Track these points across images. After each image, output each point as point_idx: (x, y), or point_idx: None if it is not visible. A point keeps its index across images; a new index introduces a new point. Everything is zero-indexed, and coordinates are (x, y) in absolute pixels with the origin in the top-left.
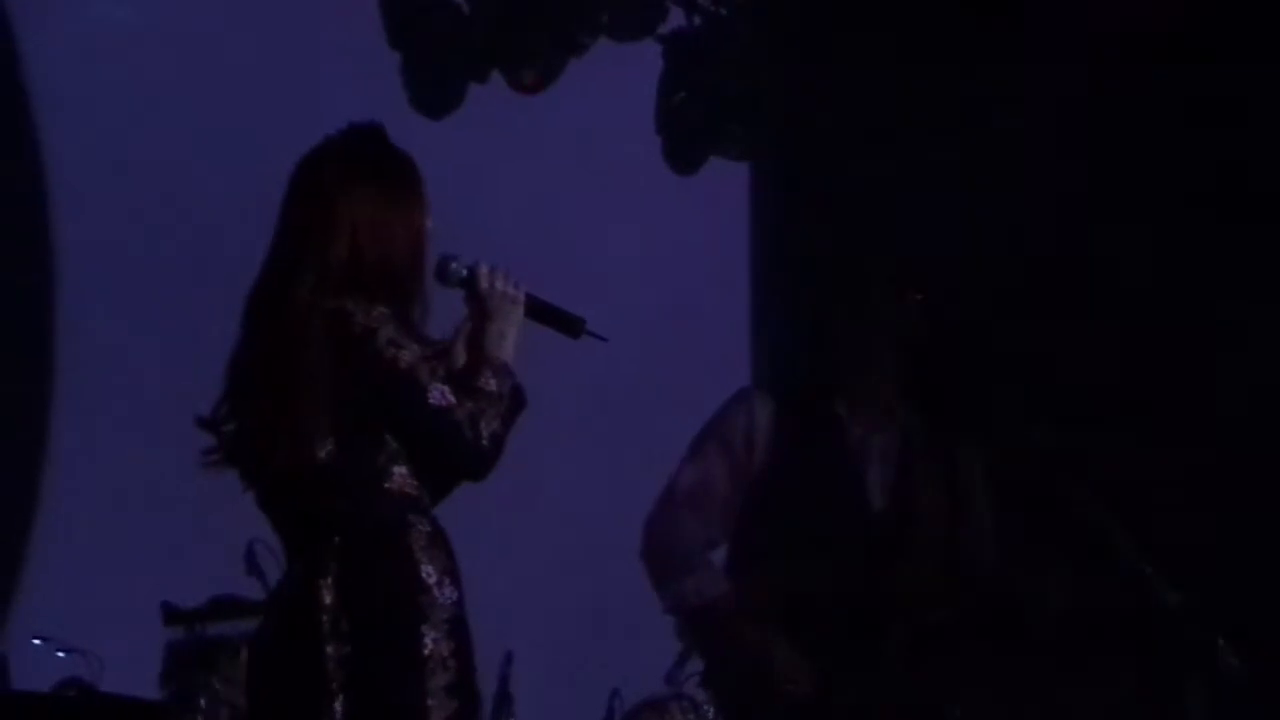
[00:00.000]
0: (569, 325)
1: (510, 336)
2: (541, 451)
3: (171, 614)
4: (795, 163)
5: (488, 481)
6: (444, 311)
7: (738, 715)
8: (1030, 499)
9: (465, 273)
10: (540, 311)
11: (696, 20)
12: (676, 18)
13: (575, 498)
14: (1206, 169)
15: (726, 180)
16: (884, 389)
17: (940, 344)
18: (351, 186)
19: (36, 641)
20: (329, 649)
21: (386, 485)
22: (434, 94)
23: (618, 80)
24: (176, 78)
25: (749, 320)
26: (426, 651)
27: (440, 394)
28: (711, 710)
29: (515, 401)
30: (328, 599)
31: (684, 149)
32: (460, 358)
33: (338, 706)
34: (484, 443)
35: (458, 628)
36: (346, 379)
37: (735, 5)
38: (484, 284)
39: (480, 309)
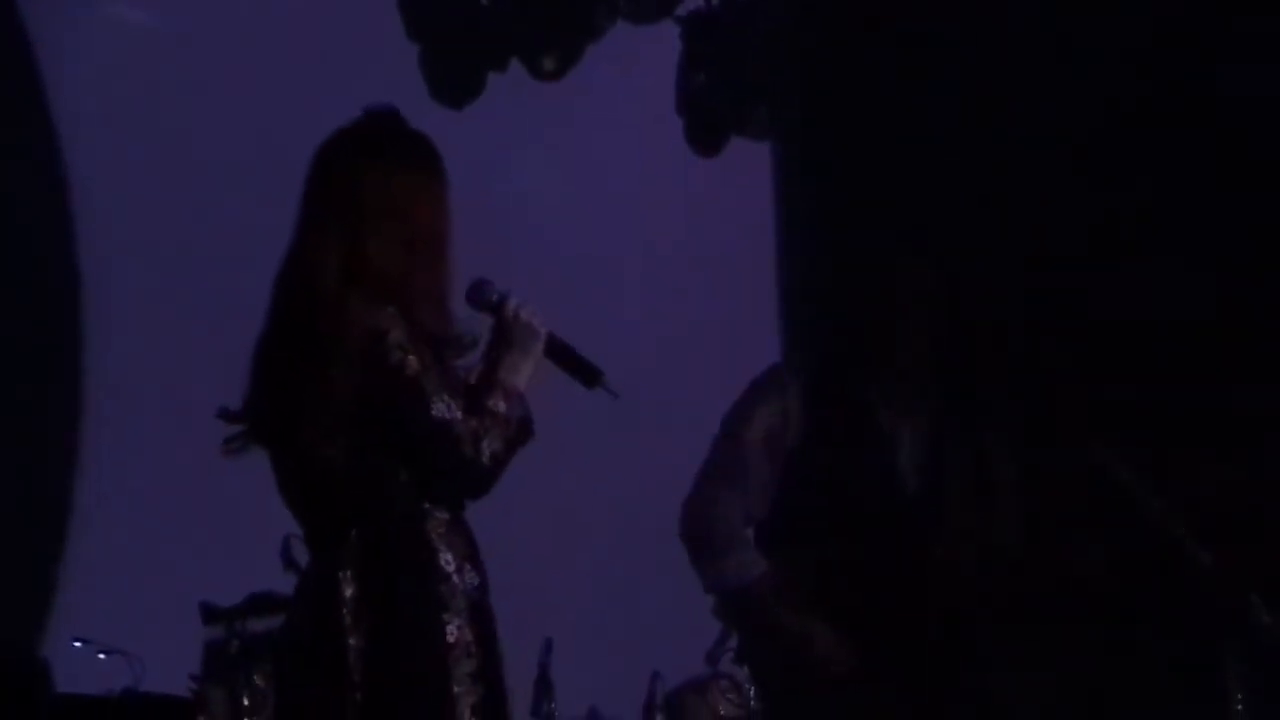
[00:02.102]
0: (586, 374)
1: (525, 370)
2: (576, 434)
3: (210, 612)
4: (820, 144)
5: (522, 469)
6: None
7: (776, 693)
8: (1061, 467)
9: (495, 299)
10: (561, 352)
11: (714, 0)
12: None
13: (609, 479)
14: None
15: (750, 162)
16: (911, 375)
17: (966, 330)
18: (370, 172)
19: (77, 644)
20: (351, 641)
21: (402, 478)
22: (454, 84)
23: (637, 64)
24: (194, 76)
25: (777, 302)
26: (451, 639)
27: (445, 406)
28: (752, 689)
29: (522, 430)
30: (348, 591)
31: (706, 131)
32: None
33: (359, 699)
34: (484, 460)
35: (479, 614)
36: (360, 377)
37: None
38: (509, 313)
39: (503, 335)
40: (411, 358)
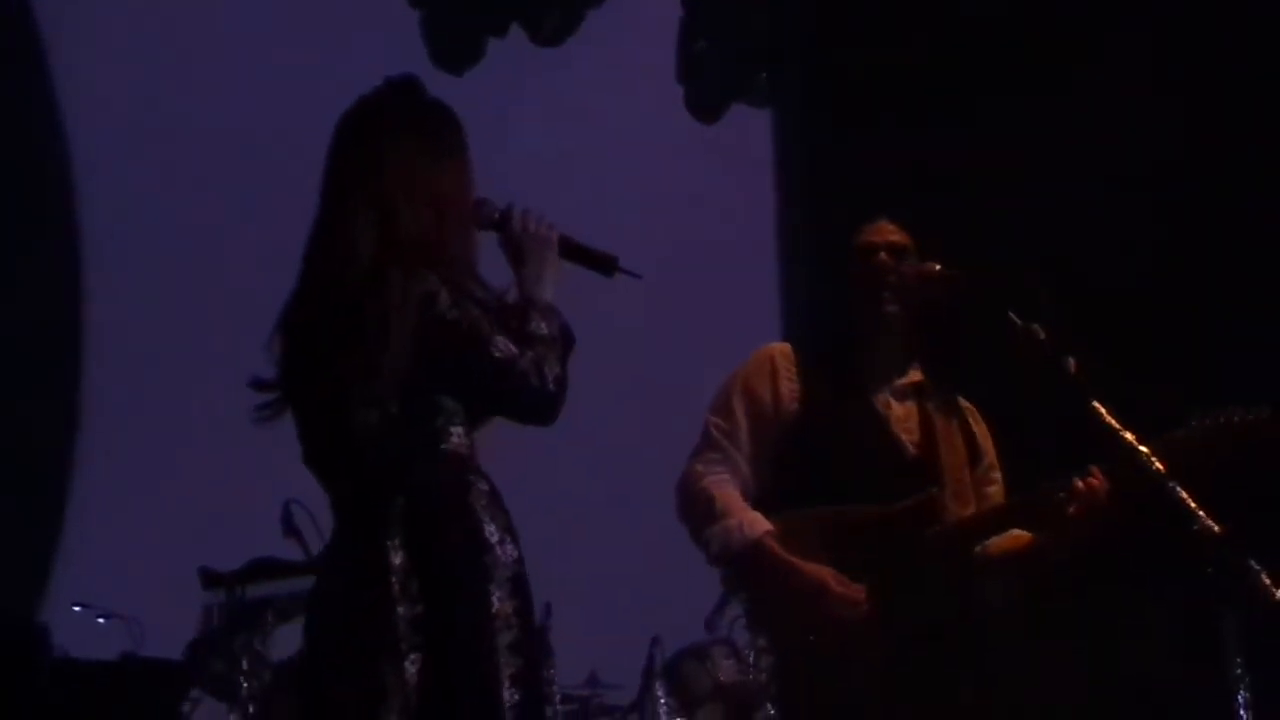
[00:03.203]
0: (602, 264)
1: (547, 277)
2: (574, 402)
3: (210, 577)
4: (819, 111)
5: (520, 431)
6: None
7: (789, 651)
8: (1062, 430)
9: (498, 215)
10: (573, 251)
11: None
12: None
13: (608, 446)
14: None
15: (749, 128)
16: (900, 352)
17: (954, 308)
18: (396, 143)
19: (76, 608)
20: (400, 610)
21: (444, 446)
22: (454, 50)
23: (637, 29)
24: (193, 47)
25: (776, 269)
26: (495, 609)
27: (504, 346)
28: (752, 654)
29: (567, 340)
30: (397, 560)
31: (705, 97)
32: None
33: (409, 666)
34: (550, 387)
35: (520, 585)
36: (408, 343)
37: None
38: (517, 226)
39: (515, 251)
40: (465, 312)
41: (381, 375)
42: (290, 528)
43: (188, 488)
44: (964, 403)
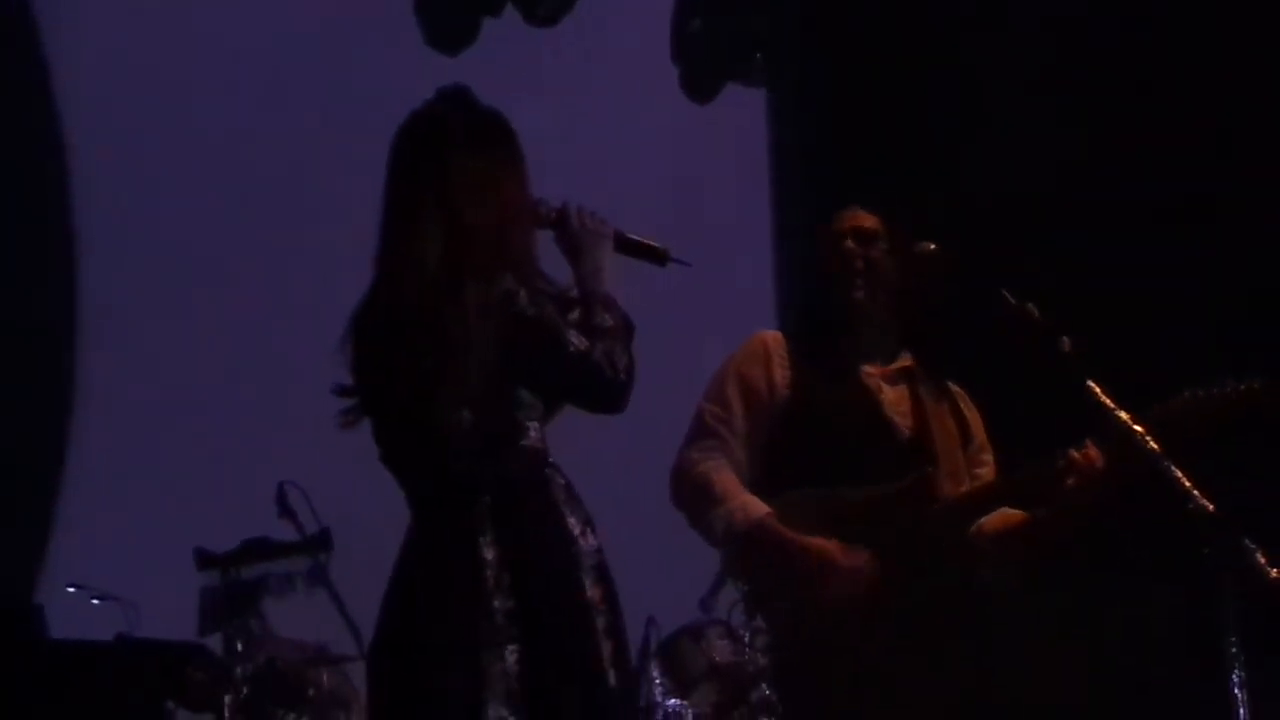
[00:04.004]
0: (655, 255)
1: (605, 270)
2: None
3: (204, 558)
4: (814, 91)
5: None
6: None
7: (788, 631)
8: (1056, 410)
9: (555, 214)
10: (627, 244)
11: None
12: None
13: (601, 427)
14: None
15: (745, 108)
16: (888, 336)
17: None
18: (455, 157)
19: (71, 590)
20: (495, 603)
21: (524, 443)
22: (449, 30)
23: (633, 9)
24: (191, 32)
25: (772, 249)
26: (588, 596)
27: (578, 340)
28: (748, 635)
29: (629, 329)
30: (489, 555)
31: (700, 77)
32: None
33: (509, 656)
34: (622, 377)
35: (603, 573)
36: (494, 343)
37: None
38: (575, 222)
39: (573, 246)
40: (543, 309)
41: (469, 376)
42: (285, 508)
43: (183, 469)
44: (954, 387)
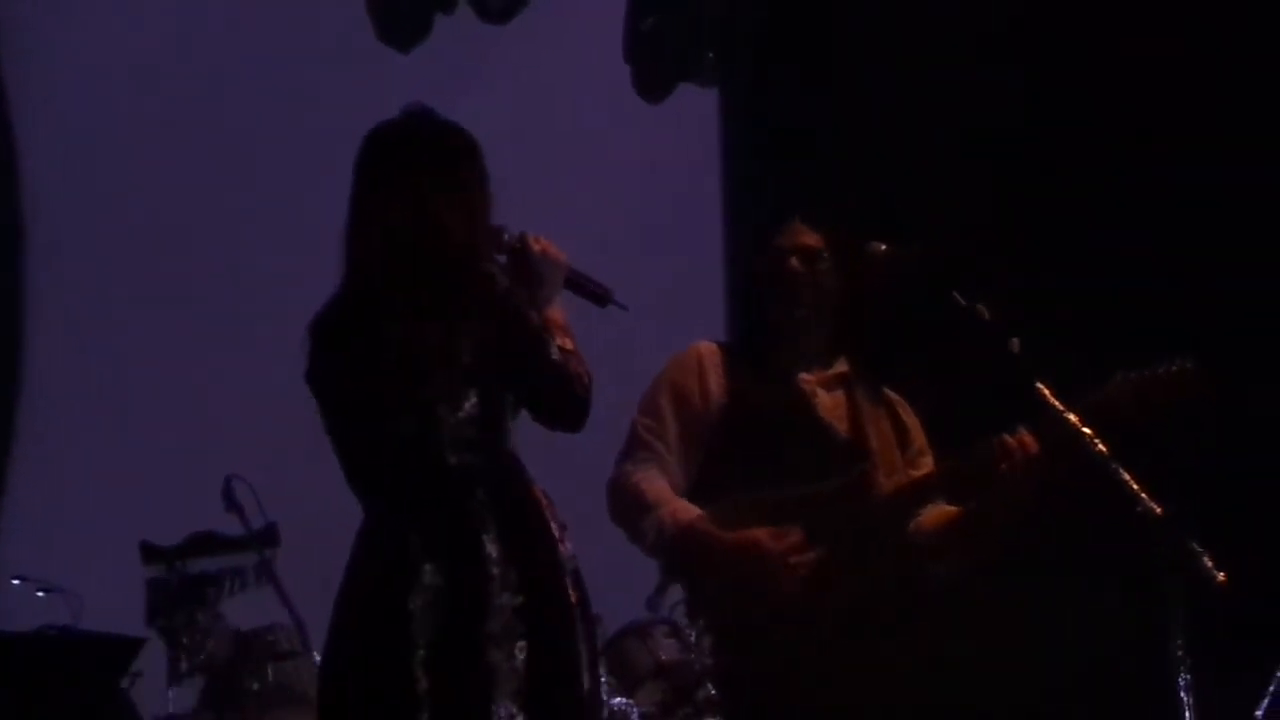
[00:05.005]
0: (598, 296)
1: (556, 300)
2: None
3: (150, 551)
4: (767, 91)
5: None
6: None
7: (729, 631)
8: (1009, 416)
9: (517, 241)
10: (574, 280)
11: None
12: None
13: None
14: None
15: (697, 107)
16: (824, 343)
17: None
18: (425, 175)
19: (16, 582)
20: (504, 598)
21: (508, 445)
22: (401, 26)
23: (587, 7)
24: (143, 26)
25: (722, 249)
26: (572, 600)
27: (556, 349)
28: (693, 634)
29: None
30: (494, 552)
31: (653, 76)
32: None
33: (517, 653)
34: (588, 397)
35: (579, 579)
36: (490, 338)
37: None
38: (535, 249)
39: (533, 273)
40: (532, 312)
41: (465, 371)
42: (231, 502)
43: (129, 462)
44: (891, 394)
